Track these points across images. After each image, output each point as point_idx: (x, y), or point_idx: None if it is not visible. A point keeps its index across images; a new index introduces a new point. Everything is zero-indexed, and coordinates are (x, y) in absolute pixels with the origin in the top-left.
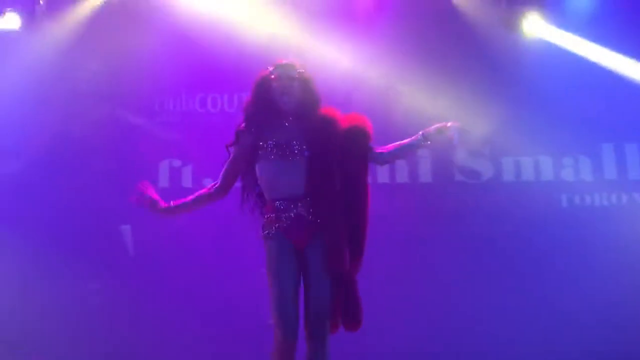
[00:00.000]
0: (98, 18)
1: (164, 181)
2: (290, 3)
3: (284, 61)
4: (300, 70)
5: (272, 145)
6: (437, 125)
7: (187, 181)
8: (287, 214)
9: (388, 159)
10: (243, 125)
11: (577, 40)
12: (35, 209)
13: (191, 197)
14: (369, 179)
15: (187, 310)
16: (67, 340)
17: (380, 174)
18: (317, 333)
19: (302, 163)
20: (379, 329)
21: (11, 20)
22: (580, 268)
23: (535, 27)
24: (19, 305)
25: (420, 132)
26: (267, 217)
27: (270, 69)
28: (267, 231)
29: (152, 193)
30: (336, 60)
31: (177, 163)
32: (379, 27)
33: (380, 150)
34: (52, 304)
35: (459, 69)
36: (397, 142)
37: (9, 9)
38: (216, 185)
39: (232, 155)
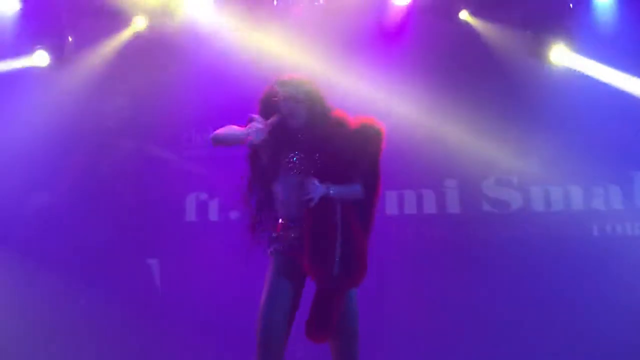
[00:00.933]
0: (125, 53)
1: (190, 215)
2: (316, 34)
3: (289, 79)
4: (307, 89)
5: (294, 160)
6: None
7: (213, 214)
8: (294, 234)
9: None
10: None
11: (604, 68)
12: (62, 243)
13: None
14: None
15: (212, 340)
16: None
17: (407, 205)
18: (346, 350)
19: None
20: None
21: (41, 58)
22: (613, 299)
23: (562, 55)
24: (45, 340)
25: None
26: (276, 235)
27: (276, 86)
28: (272, 248)
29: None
30: (358, 90)
31: (204, 196)
32: (400, 57)
33: None
34: (76, 339)
35: (485, 98)
36: None
37: (38, 46)
38: None
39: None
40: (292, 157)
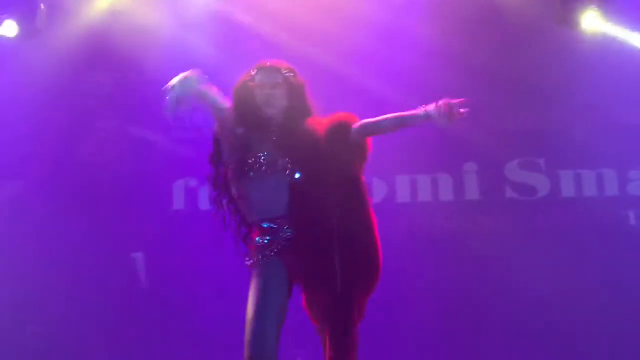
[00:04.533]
0: (105, 23)
1: (179, 203)
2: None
3: (269, 63)
4: (287, 74)
5: (262, 162)
6: (440, 104)
7: (204, 203)
8: (279, 236)
9: (373, 129)
10: (223, 137)
11: None
12: (36, 236)
13: None
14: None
15: (203, 342)
16: None
17: (421, 191)
18: None
19: (293, 186)
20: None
21: (9, 28)
22: None
23: (595, 22)
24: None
25: (423, 109)
26: (256, 243)
27: (253, 72)
28: (256, 258)
29: None
30: (377, 66)
31: (193, 183)
32: (414, 26)
33: (362, 123)
34: (54, 339)
35: (508, 71)
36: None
37: (6, 15)
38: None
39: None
40: (261, 157)
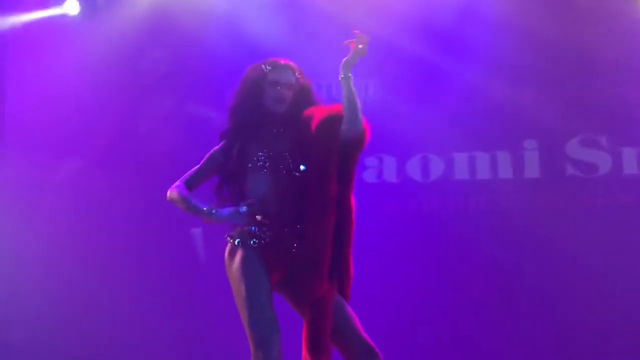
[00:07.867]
0: (164, 1)
1: None
2: None
3: (282, 62)
4: (298, 76)
5: (263, 159)
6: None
7: None
8: (270, 234)
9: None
10: (229, 131)
11: None
12: (97, 213)
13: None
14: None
15: None
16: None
17: (480, 169)
18: None
19: (297, 181)
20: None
21: (71, 6)
22: None
23: None
24: (81, 313)
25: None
26: (253, 227)
27: (266, 68)
28: (241, 239)
29: None
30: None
31: None
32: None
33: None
34: (118, 314)
35: (569, 46)
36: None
37: None
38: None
39: (211, 159)
40: (260, 155)
